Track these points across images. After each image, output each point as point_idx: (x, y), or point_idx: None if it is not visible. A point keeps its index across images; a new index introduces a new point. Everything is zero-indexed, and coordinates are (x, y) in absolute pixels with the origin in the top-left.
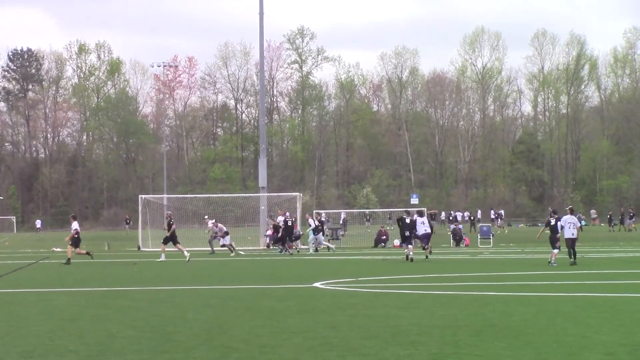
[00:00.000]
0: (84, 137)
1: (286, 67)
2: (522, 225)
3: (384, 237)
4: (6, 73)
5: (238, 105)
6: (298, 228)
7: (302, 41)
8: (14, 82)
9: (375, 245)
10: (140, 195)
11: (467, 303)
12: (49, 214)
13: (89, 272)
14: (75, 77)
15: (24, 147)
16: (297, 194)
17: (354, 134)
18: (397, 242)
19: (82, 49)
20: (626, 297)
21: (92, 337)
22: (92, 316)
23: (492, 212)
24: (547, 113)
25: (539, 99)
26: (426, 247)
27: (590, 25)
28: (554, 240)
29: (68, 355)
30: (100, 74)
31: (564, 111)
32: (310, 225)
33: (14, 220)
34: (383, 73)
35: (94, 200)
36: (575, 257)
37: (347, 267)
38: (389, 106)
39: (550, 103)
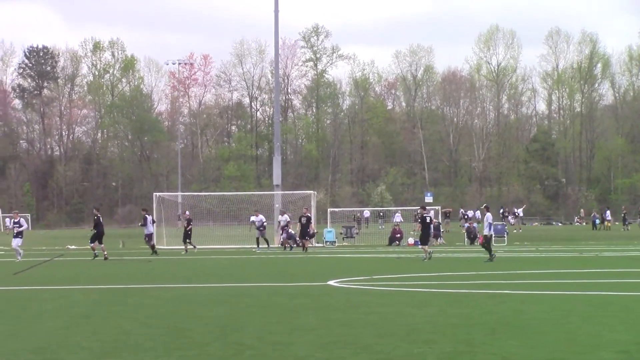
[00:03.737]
0: (99, 135)
1: (301, 65)
2: (536, 223)
3: (399, 235)
4: (22, 70)
5: (253, 103)
6: (313, 226)
7: (317, 39)
8: (29, 80)
9: (390, 244)
10: (154, 193)
11: (481, 301)
12: (64, 212)
13: (103, 269)
14: (90, 74)
15: (38, 145)
16: (312, 191)
17: (368, 132)
18: (411, 240)
19: (97, 47)
20: None
21: (105, 334)
22: (106, 313)
23: (502, 210)
24: (561, 111)
25: (554, 97)
26: None
27: (605, 24)
28: (426, 236)
29: (81, 351)
30: (115, 72)
31: (579, 109)
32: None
33: (29, 218)
34: (398, 71)
35: (109, 198)
36: (490, 254)
37: (361, 265)
38: (404, 104)
39: (564, 101)
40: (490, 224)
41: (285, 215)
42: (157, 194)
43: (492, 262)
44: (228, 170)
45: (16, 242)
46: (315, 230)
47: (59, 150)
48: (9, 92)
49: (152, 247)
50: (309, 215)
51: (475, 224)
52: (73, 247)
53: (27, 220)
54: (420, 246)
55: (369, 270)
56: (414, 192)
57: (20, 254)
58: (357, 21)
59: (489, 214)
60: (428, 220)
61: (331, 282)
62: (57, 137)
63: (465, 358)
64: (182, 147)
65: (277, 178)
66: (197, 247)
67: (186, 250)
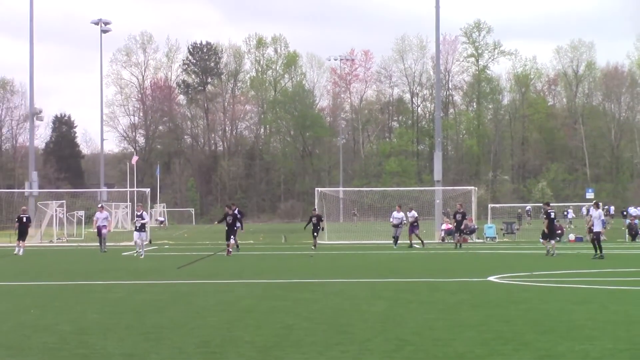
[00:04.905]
0: (262, 130)
1: (462, 61)
2: None
3: (559, 231)
4: (186, 66)
5: (414, 99)
6: (473, 222)
7: (479, 35)
8: (193, 76)
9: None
10: (316, 188)
11: None
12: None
13: (266, 264)
14: (253, 70)
15: (202, 140)
16: (472, 187)
17: (529, 128)
18: (572, 236)
19: (260, 43)
20: None
21: (268, 328)
22: (269, 307)
23: None
24: None
25: None
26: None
27: None
28: (553, 232)
29: (244, 346)
30: (278, 67)
31: None
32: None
33: (193, 212)
34: (559, 67)
35: (271, 193)
36: (599, 251)
37: (522, 261)
38: (564, 100)
39: None
40: (603, 221)
41: (413, 212)
42: (319, 189)
43: (602, 260)
44: (389, 166)
45: (138, 236)
46: (476, 226)
47: (222, 146)
48: (174, 88)
49: (235, 243)
50: (464, 211)
51: (636, 221)
52: (233, 241)
53: (191, 214)
54: (544, 241)
55: (529, 266)
56: (575, 188)
57: (142, 248)
58: (518, 16)
59: (599, 211)
60: (552, 215)
61: (491, 278)
62: (220, 132)
63: (626, 355)
64: (344, 142)
65: (437, 174)
66: (360, 242)
67: (315, 246)
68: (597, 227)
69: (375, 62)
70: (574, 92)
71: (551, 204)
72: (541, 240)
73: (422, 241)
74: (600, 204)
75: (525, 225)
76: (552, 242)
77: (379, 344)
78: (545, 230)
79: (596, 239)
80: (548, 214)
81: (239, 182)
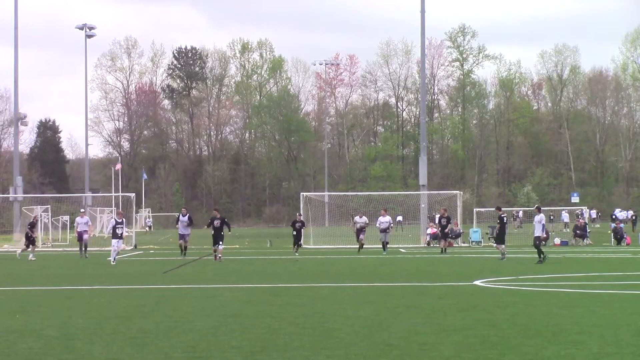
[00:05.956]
0: (247, 135)
1: (447, 65)
2: None
3: (545, 235)
4: (171, 71)
5: (399, 103)
6: (459, 226)
7: (464, 39)
8: (178, 80)
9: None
10: (301, 193)
11: (628, 302)
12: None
13: (251, 268)
14: (238, 75)
15: (187, 145)
16: (457, 192)
17: (514, 132)
18: (557, 240)
19: (245, 47)
20: None
21: (254, 333)
22: (255, 312)
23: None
24: None
25: None
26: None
27: None
28: (502, 236)
29: (230, 350)
30: (263, 72)
31: None
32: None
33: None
34: (543, 71)
35: (256, 198)
36: (540, 256)
37: (508, 266)
38: (549, 104)
39: None
40: (543, 225)
41: (364, 217)
42: (304, 193)
43: (541, 265)
44: (374, 170)
45: (118, 243)
46: (462, 230)
47: (207, 150)
48: (158, 93)
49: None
50: (448, 216)
51: (622, 225)
52: (221, 246)
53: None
54: (496, 246)
55: (515, 270)
56: (561, 192)
57: (115, 256)
58: (502, 21)
59: (540, 215)
60: (505, 220)
61: (477, 282)
62: (205, 137)
63: (613, 359)
64: (329, 147)
65: (423, 178)
66: (345, 246)
67: (296, 251)
68: (537, 232)
69: (360, 67)
70: (558, 97)
71: (503, 209)
72: (495, 245)
73: (360, 247)
74: (545, 208)
75: (512, 230)
76: (503, 246)
77: (365, 348)
78: (496, 233)
79: (537, 244)
80: (501, 219)
81: (224, 186)
